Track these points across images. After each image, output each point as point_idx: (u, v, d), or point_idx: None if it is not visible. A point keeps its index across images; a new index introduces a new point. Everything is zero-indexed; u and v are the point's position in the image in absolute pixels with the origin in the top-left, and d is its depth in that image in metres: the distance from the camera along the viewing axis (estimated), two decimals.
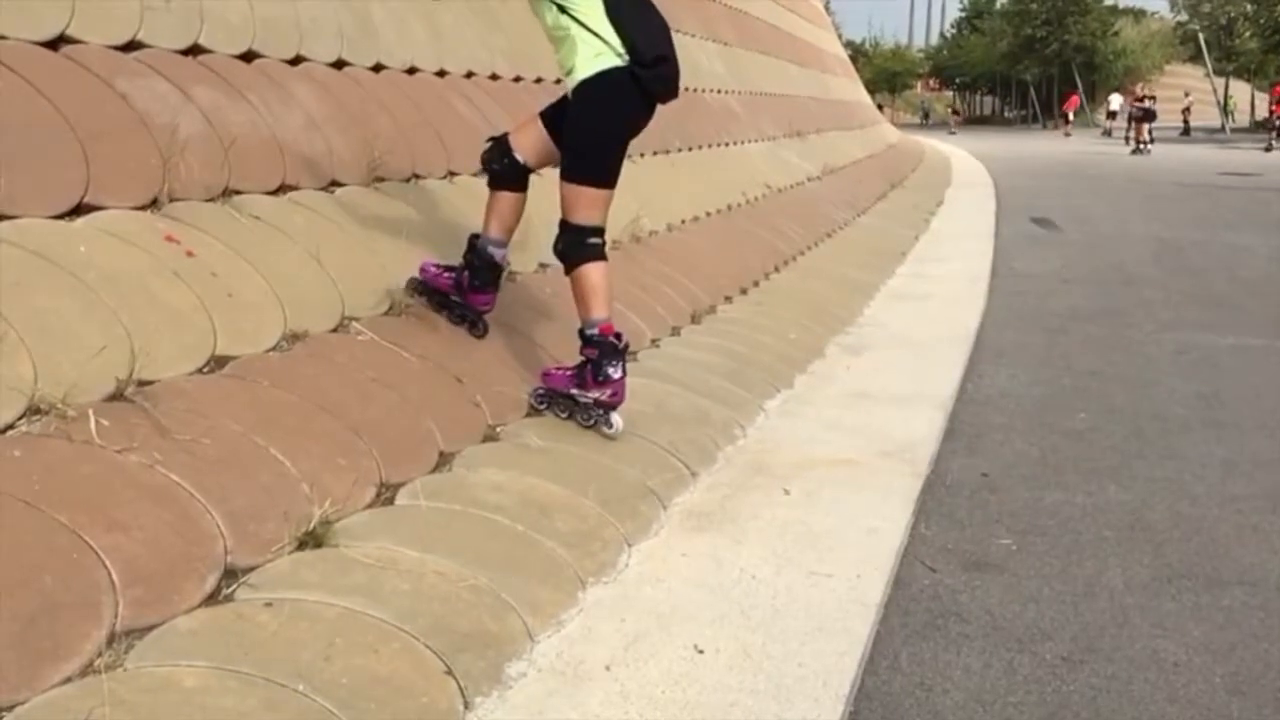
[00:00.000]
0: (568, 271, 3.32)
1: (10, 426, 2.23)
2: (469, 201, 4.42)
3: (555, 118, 3.35)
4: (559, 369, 3.47)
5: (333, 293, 3.31)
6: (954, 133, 41.90)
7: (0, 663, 1.79)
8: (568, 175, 3.27)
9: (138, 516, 2.18)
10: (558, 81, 6.06)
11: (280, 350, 2.97)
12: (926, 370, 4.92)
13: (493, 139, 3.49)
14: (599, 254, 3.29)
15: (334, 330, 3.21)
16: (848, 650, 2.39)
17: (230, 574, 2.23)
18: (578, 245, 3.27)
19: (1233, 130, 39.54)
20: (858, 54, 57.62)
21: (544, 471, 3.04)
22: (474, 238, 3.52)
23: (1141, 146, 26.08)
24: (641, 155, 6.11)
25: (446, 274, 3.57)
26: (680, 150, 7.28)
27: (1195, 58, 46.14)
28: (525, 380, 3.54)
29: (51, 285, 2.56)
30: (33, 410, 2.27)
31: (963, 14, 67.58)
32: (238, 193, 3.36)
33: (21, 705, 1.77)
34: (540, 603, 2.43)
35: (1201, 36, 42.97)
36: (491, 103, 5.27)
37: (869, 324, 5.93)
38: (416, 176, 4.29)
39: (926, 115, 61.30)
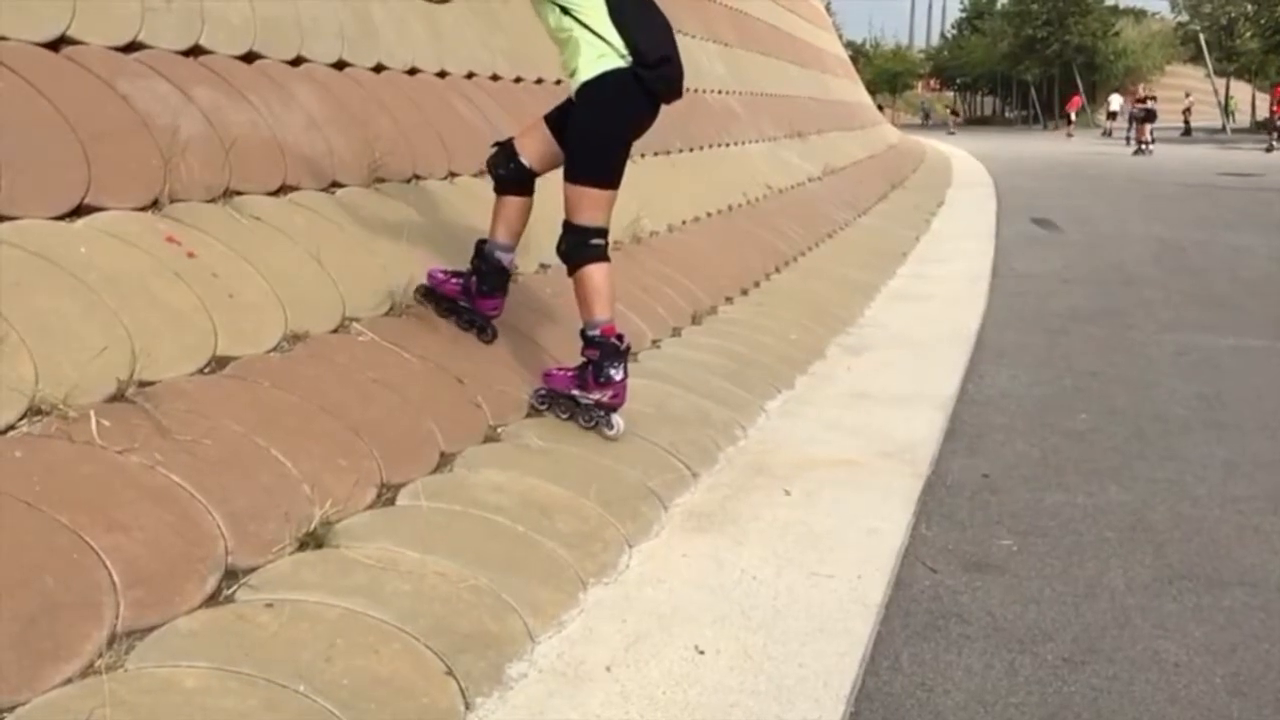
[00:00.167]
0: (571, 272, 3.32)
1: (11, 427, 2.23)
2: (470, 202, 4.42)
3: (560, 121, 3.35)
4: (560, 370, 3.47)
5: (333, 293, 3.31)
6: (952, 133, 41.94)
7: (1, 663, 1.79)
8: (571, 176, 3.27)
9: (138, 517, 2.18)
10: (558, 82, 6.06)
11: (281, 351, 2.97)
12: (927, 371, 4.92)
13: (498, 144, 3.49)
14: (602, 255, 3.29)
15: (335, 331, 3.21)
16: (848, 651, 2.39)
17: (231, 575, 2.23)
18: (581, 246, 3.27)
19: (1233, 131, 39.55)
20: (858, 54, 57.63)
21: (545, 472, 3.04)
22: (481, 243, 3.52)
23: (1144, 147, 26.08)
24: (642, 156, 6.10)
25: (454, 280, 3.57)
26: (681, 151, 7.28)
27: (1196, 58, 46.13)
28: (526, 381, 3.54)
29: (52, 286, 2.56)
30: (34, 411, 2.27)
31: (963, 14, 67.58)
32: (238, 193, 3.36)
33: (22, 706, 1.77)
34: (541, 603, 2.43)
35: (1202, 37, 42.96)
36: (492, 103, 5.27)
37: (870, 324, 5.93)
38: (417, 177, 4.29)
39: (927, 116, 61.31)
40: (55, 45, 3.12)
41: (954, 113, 58.62)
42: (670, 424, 3.63)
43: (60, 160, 2.86)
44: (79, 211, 2.83)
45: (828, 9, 25.42)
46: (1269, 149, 27.24)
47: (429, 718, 1.99)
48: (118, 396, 2.44)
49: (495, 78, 5.58)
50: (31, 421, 2.26)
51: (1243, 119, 45.30)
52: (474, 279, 3.53)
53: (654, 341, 4.55)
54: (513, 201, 3.45)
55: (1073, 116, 42.27)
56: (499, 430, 3.25)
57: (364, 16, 4.60)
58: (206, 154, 3.30)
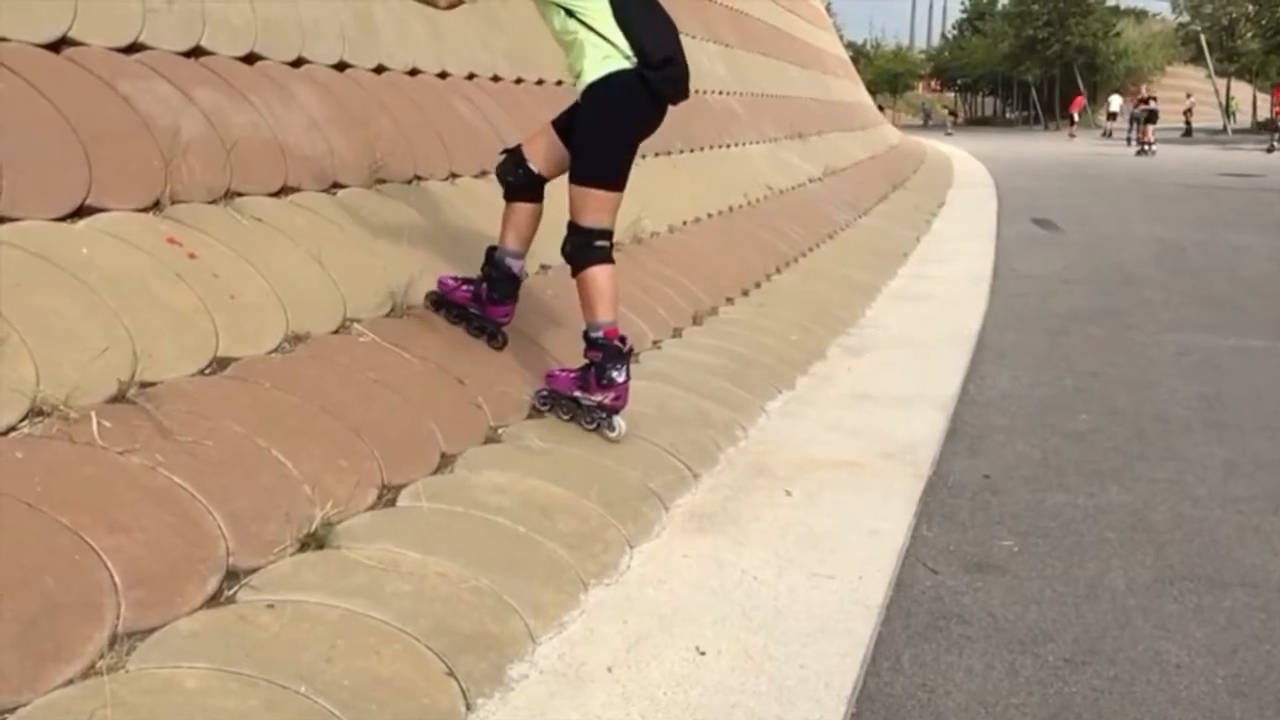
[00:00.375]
0: (574, 274, 3.32)
1: (12, 428, 2.23)
2: (470, 203, 4.42)
3: (567, 124, 3.35)
4: (563, 371, 3.47)
5: (334, 294, 3.31)
6: (950, 134, 41.96)
7: (2, 664, 1.79)
8: (576, 177, 3.27)
9: (139, 518, 2.18)
10: (559, 83, 6.07)
11: (282, 352, 2.97)
12: (928, 371, 4.92)
13: (506, 151, 3.49)
14: (606, 257, 3.29)
15: (335, 332, 3.21)
16: (849, 652, 2.39)
17: (232, 575, 2.23)
18: (585, 248, 3.27)
19: (1234, 131, 39.54)
20: (859, 55, 57.64)
21: (546, 473, 3.04)
22: (491, 250, 3.53)
23: (1146, 148, 26.09)
24: (643, 157, 6.07)
25: (465, 286, 3.58)
26: (682, 151, 7.29)
27: (1197, 59, 46.13)
28: (527, 382, 3.54)
29: (53, 287, 2.56)
30: (35, 412, 2.27)
31: (964, 15, 67.57)
32: (239, 194, 3.36)
33: (23, 707, 1.77)
34: (542, 604, 2.43)
35: (1203, 38, 42.96)
36: (493, 104, 5.27)
37: (870, 325, 5.93)
38: (418, 178, 4.30)
39: (928, 116, 61.30)
40: (56, 46, 3.12)
41: (952, 113, 58.64)
42: (671, 425, 3.63)
43: (61, 161, 2.86)
44: (80, 212, 2.84)
45: (828, 10, 25.43)
46: (1270, 149, 27.25)
47: (430, 718, 1.99)
48: (119, 397, 2.44)
49: (496, 79, 5.58)
50: (33, 422, 2.26)
51: (1243, 119, 45.30)
52: (484, 286, 3.54)
53: (655, 342, 4.55)
54: (522, 208, 3.45)
55: (1075, 117, 42.25)
56: (500, 431, 3.25)
57: (365, 17, 4.60)
58: (207, 155, 3.30)
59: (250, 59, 3.84)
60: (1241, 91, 49.05)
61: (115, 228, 2.87)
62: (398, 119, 4.38)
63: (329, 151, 3.85)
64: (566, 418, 3.40)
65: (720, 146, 8.42)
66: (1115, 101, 39.77)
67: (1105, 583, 2.86)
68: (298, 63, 4.08)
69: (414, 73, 4.82)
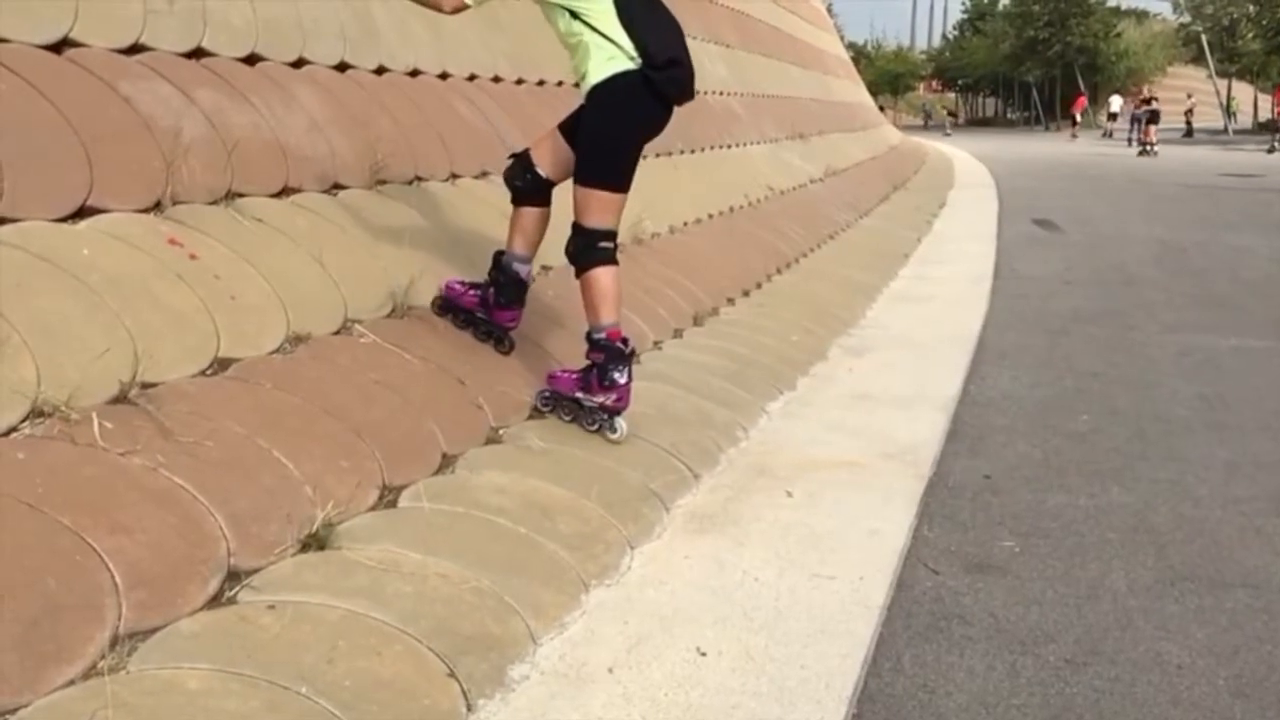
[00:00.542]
0: (578, 275, 3.32)
1: (14, 429, 2.23)
2: (471, 204, 4.42)
3: (573, 128, 3.35)
4: (565, 372, 3.46)
5: (335, 295, 3.31)
6: (949, 134, 41.98)
7: (3, 665, 1.79)
8: (581, 178, 3.27)
9: (141, 519, 2.18)
10: (560, 84, 6.07)
11: (283, 352, 2.97)
12: (929, 372, 4.92)
13: (514, 155, 3.49)
14: (610, 258, 3.29)
15: (336, 332, 3.21)
16: (850, 652, 2.39)
17: (233, 576, 2.23)
18: (589, 249, 3.27)
19: (1235, 132, 39.53)
20: (860, 55, 57.65)
21: (546, 474, 3.04)
22: (499, 254, 3.53)
23: (1149, 148, 26.10)
24: (644, 157, 6.04)
25: (472, 291, 3.58)
26: (682, 152, 7.29)
27: (1198, 59, 46.16)
28: (527, 382, 3.55)
29: (55, 288, 2.56)
30: (36, 413, 2.27)
31: (965, 16, 67.56)
32: (240, 195, 3.36)
33: (24, 708, 1.77)
34: (543, 605, 2.43)
35: (1204, 38, 42.97)
36: (494, 105, 5.27)
37: (871, 326, 5.93)
38: (419, 179, 4.30)
39: (928, 117, 61.28)
40: (57, 47, 3.12)
41: (951, 114, 58.67)
42: (672, 425, 3.63)
43: (62, 162, 2.86)
44: (81, 213, 2.84)
45: (829, 10, 25.43)
46: (1270, 150, 27.25)
47: (431, 719, 1.99)
48: (120, 398, 2.44)
49: (497, 79, 5.58)
50: (34, 423, 2.26)
51: (1244, 120, 45.29)
52: (491, 290, 3.54)
53: (655, 343, 4.55)
54: (530, 212, 3.45)
55: (1078, 118, 42.21)
56: (500, 432, 3.25)
57: (365, 18, 4.61)
58: (208, 156, 3.31)
59: (251, 60, 3.85)
60: (1242, 92, 49.02)
61: (116, 229, 2.87)
62: (398, 120, 4.38)
63: (330, 152, 3.86)
64: (568, 419, 3.40)
65: (721, 147, 8.42)
66: (1115, 102, 39.76)
67: (1106, 583, 2.85)
68: (298, 63, 4.08)
69: (415, 73, 4.82)
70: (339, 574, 2.33)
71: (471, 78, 5.32)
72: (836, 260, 7.75)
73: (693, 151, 7.58)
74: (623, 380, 3.31)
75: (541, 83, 6.00)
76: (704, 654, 2.34)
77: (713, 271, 5.86)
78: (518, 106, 5.49)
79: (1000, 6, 61.24)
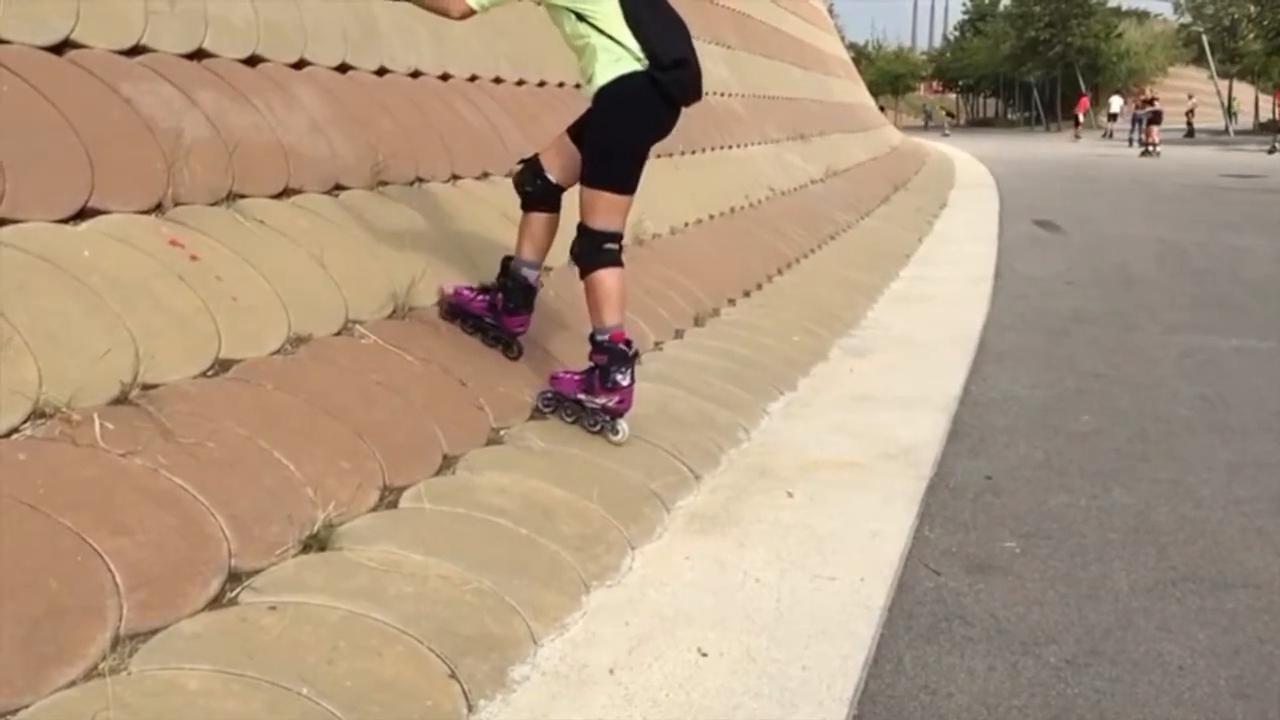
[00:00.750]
0: (582, 276, 3.32)
1: (15, 430, 2.23)
2: (472, 205, 4.43)
3: (581, 132, 3.35)
4: (567, 373, 3.46)
5: (336, 296, 3.31)
6: (947, 134, 41.99)
7: (4, 666, 1.80)
8: (588, 180, 3.27)
9: (142, 520, 2.18)
10: (560, 85, 6.08)
11: (284, 353, 2.97)
12: (930, 372, 4.92)
13: (524, 161, 3.50)
14: (615, 260, 3.29)
15: (338, 333, 3.21)
16: (851, 653, 2.38)
17: (234, 577, 2.23)
18: (594, 250, 3.27)
19: (1236, 132, 39.52)
20: (861, 56, 57.63)
21: (547, 474, 3.04)
22: (507, 260, 3.53)
23: (1151, 148, 26.11)
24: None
25: (480, 297, 3.58)
26: (683, 153, 7.29)
27: (1199, 60, 46.14)
28: (528, 383, 3.55)
29: (56, 289, 2.56)
30: (37, 414, 2.28)
31: (965, 16, 67.56)
32: (242, 196, 3.37)
33: (26, 709, 1.77)
34: (544, 606, 2.43)
35: (1205, 39, 42.95)
36: (495, 106, 5.28)
37: (872, 326, 5.93)
38: (420, 180, 4.30)
39: (929, 118, 61.30)
40: (59, 49, 3.12)
41: (950, 115, 58.71)
42: (673, 426, 3.63)
43: (64, 163, 2.86)
44: (82, 215, 2.84)
45: (830, 11, 25.42)
46: (1271, 150, 27.25)
47: None
48: (121, 399, 2.44)
49: (498, 80, 5.58)
50: (35, 424, 2.26)
51: (1245, 120, 45.29)
52: (500, 296, 3.54)
53: (656, 343, 4.55)
54: (539, 218, 3.45)
55: (1080, 118, 42.21)
56: (501, 433, 3.26)
57: (367, 19, 4.61)
58: (210, 157, 3.31)
59: (252, 61, 3.85)
60: (1243, 92, 49.02)
61: (117, 230, 2.87)
62: (400, 121, 4.38)
63: (331, 153, 3.86)
64: (570, 420, 3.40)
65: (722, 148, 8.42)
66: (1116, 103, 39.74)
67: (1108, 584, 2.85)
68: (300, 65, 4.09)
69: (416, 74, 4.82)
70: (340, 575, 2.34)
71: (473, 79, 5.32)
72: (837, 261, 7.75)
73: (694, 152, 7.58)
74: (625, 382, 3.31)
75: (543, 84, 6.00)
76: (705, 655, 2.34)
77: (714, 272, 5.86)
78: (519, 107, 5.49)
79: (1001, 7, 61.23)
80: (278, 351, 2.96)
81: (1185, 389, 4.81)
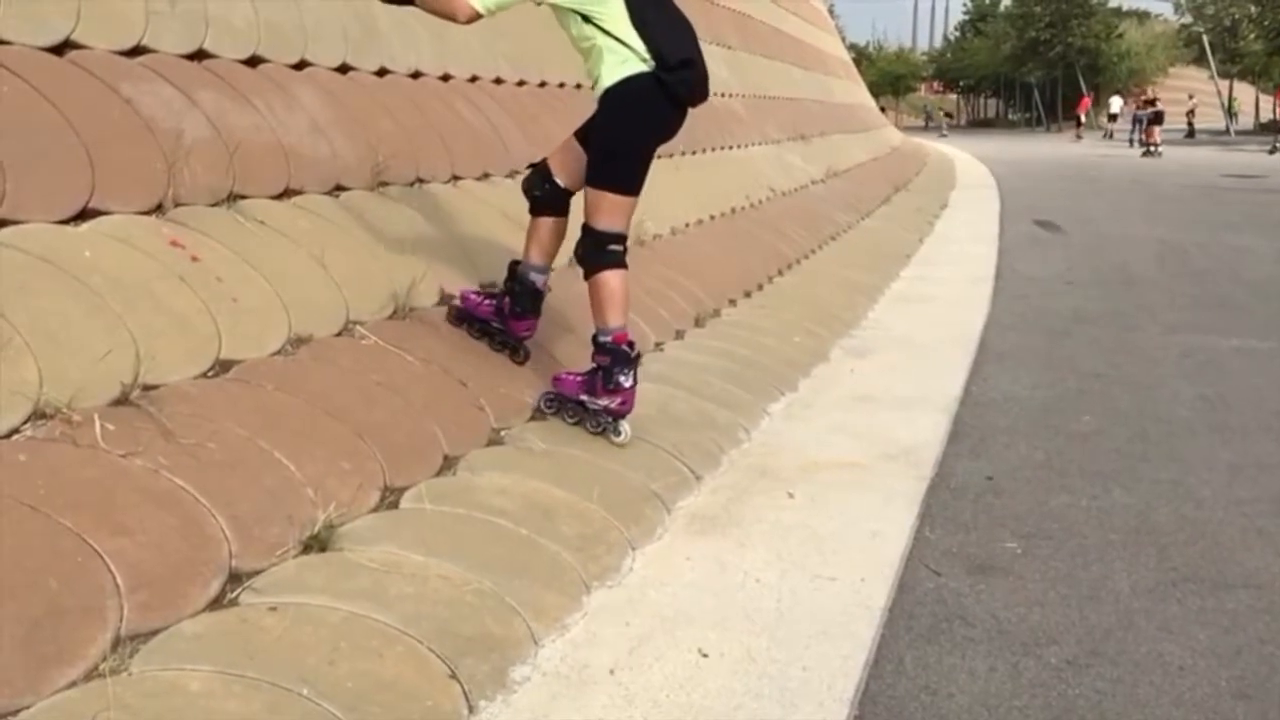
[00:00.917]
0: (586, 277, 3.32)
1: (15, 430, 2.23)
2: (473, 205, 4.43)
3: (587, 135, 3.35)
4: (569, 374, 3.46)
5: (337, 296, 3.31)
6: (945, 135, 41.98)
7: (5, 667, 1.80)
8: (593, 180, 3.26)
9: (142, 520, 2.18)
10: (561, 85, 6.08)
11: (285, 354, 2.98)
12: (930, 373, 4.92)
13: (532, 165, 3.50)
14: (619, 261, 3.28)
15: (338, 334, 3.21)
16: (852, 654, 2.38)
17: (235, 578, 2.23)
18: (598, 251, 3.27)
19: (1237, 133, 39.51)
20: (861, 56, 57.65)
21: (548, 475, 3.04)
22: (515, 264, 3.53)
23: (1153, 148, 26.10)
24: None
25: (487, 301, 3.58)
26: (684, 153, 7.29)
27: (1199, 60, 46.12)
28: (528, 383, 3.55)
29: (56, 289, 2.56)
30: (38, 414, 2.28)
31: (966, 17, 67.56)
32: (242, 197, 3.37)
33: (26, 709, 1.77)
34: (544, 606, 2.43)
35: (1205, 39, 42.94)
36: (495, 107, 5.28)
37: (873, 327, 5.93)
38: (420, 180, 4.30)
39: (929, 118, 61.31)
40: (59, 49, 3.12)
41: (948, 115, 58.77)
42: (673, 426, 3.63)
43: (64, 164, 2.87)
44: (83, 215, 2.84)
45: (831, 11, 25.42)
46: (1271, 150, 27.24)
47: None
48: (122, 400, 2.45)
49: (498, 81, 5.58)
50: (36, 425, 2.26)
51: (1246, 120, 45.27)
52: (507, 300, 3.54)
53: (657, 344, 4.55)
54: (546, 222, 3.45)
55: (1082, 118, 42.18)
56: (502, 433, 3.25)
57: (367, 19, 4.61)
58: (210, 157, 3.31)
59: (253, 61, 3.85)
60: (1244, 93, 49.02)
61: (118, 230, 2.88)
62: (400, 121, 4.39)
63: (331, 154, 3.86)
64: (573, 421, 3.40)
65: (723, 148, 8.42)
66: (1116, 103, 39.73)
67: (1108, 585, 2.85)
68: (300, 65, 4.09)
69: (416, 75, 4.82)
70: (341, 575, 2.34)
71: (473, 79, 5.32)
72: (838, 261, 7.75)
73: (694, 153, 7.58)
74: (628, 384, 3.31)
75: (543, 84, 5.99)
76: (705, 655, 2.34)
77: (714, 272, 5.86)
78: (520, 108, 5.49)
79: (1001, 7, 61.22)
80: (278, 352, 2.96)
81: (1186, 389, 4.81)
